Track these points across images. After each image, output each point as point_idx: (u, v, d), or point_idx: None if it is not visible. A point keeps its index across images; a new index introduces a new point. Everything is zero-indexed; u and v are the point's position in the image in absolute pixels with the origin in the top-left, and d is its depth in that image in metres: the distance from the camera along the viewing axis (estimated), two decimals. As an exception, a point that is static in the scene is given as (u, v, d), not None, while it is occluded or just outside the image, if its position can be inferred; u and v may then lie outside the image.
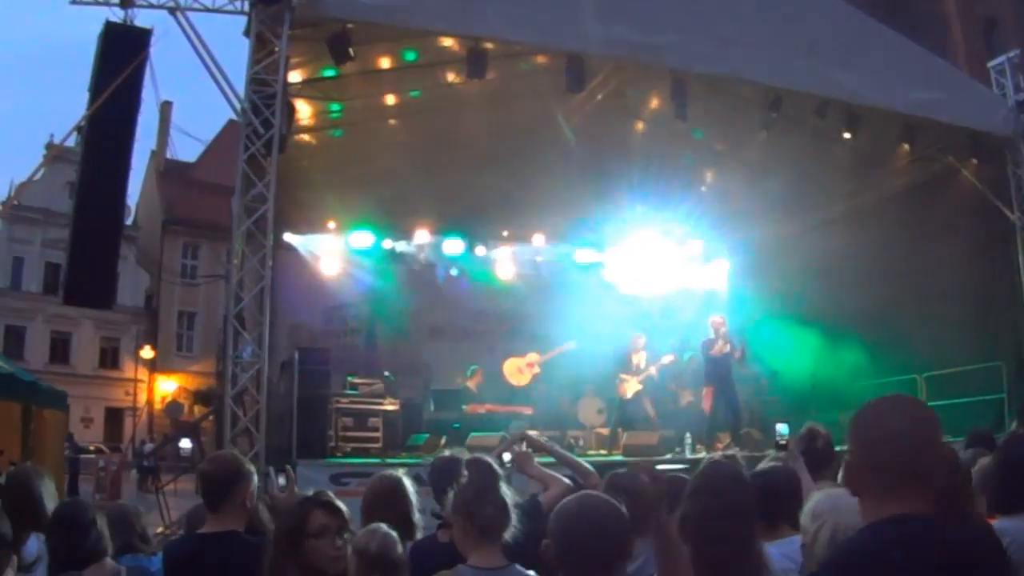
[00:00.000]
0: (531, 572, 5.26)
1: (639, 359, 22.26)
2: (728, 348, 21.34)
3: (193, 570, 5.66)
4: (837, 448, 7.34)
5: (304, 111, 18.87)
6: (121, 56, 15.25)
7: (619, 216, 24.05)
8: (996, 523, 5.10)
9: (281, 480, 8.19)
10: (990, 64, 20.95)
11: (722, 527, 5.05)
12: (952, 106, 18.78)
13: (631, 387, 21.93)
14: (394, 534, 5.43)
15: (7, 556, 5.13)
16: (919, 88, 18.29)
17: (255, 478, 6.15)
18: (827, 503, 4.46)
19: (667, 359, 22.63)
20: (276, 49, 15.24)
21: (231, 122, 48.23)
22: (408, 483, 6.55)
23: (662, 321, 25.18)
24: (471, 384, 22.55)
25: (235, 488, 5.82)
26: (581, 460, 7.85)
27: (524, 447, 7.44)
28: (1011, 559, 3.54)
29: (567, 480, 6.99)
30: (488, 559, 5.16)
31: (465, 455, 6.53)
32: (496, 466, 5.68)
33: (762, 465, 6.67)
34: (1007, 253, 19.91)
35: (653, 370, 22.25)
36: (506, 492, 5.35)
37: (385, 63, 18.47)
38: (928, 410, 3.33)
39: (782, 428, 7.96)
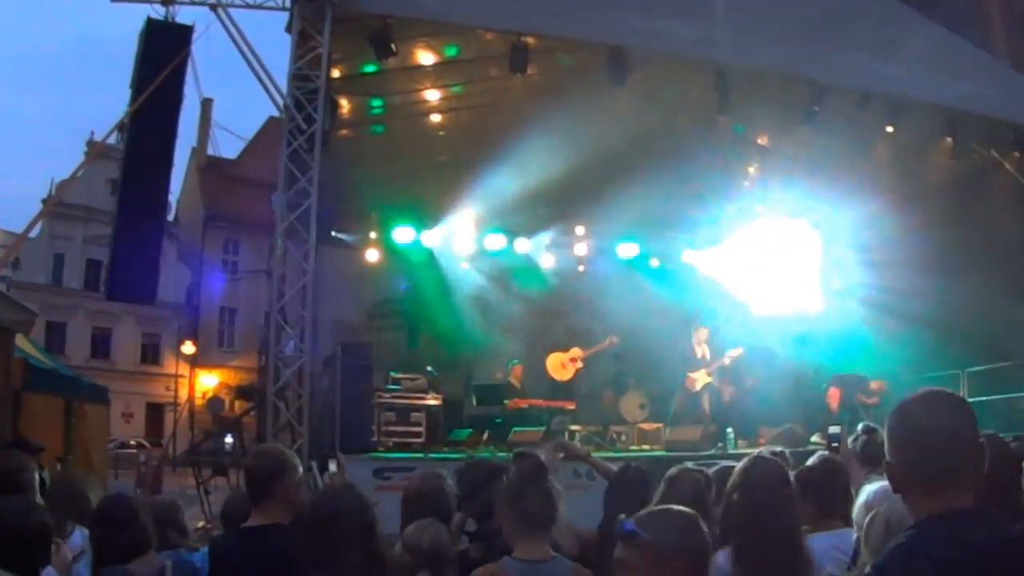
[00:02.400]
0: (576, 563, 5.25)
1: (703, 351, 22.21)
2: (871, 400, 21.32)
3: (238, 565, 5.63)
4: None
5: (346, 107, 18.91)
6: (162, 53, 15.31)
7: (660, 211, 24.01)
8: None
9: (332, 467, 8.24)
10: (1031, 58, 20.83)
11: (766, 524, 5.06)
12: (994, 99, 18.65)
13: (701, 380, 21.89)
14: (444, 527, 5.44)
15: (52, 544, 5.17)
16: (961, 81, 18.18)
17: (300, 470, 6.11)
18: (879, 494, 4.44)
19: (735, 352, 22.53)
20: (318, 45, 15.29)
21: (272, 119, 48.56)
22: (450, 482, 6.53)
23: (700, 317, 25.07)
24: (512, 379, 22.50)
25: (278, 481, 5.74)
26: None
27: (560, 455, 7.48)
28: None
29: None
30: (533, 551, 5.14)
31: (496, 457, 6.50)
32: (543, 460, 5.68)
33: (811, 461, 6.65)
34: (1050, 247, 19.78)
35: (727, 360, 22.21)
36: (554, 485, 5.34)
37: (426, 58, 18.53)
38: (962, 402, 3.28)
39: (834, 430, 7.94)
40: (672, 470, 6.50)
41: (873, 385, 21.34)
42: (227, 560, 5.74)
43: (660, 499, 6.07)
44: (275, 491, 5.74)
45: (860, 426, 7.73)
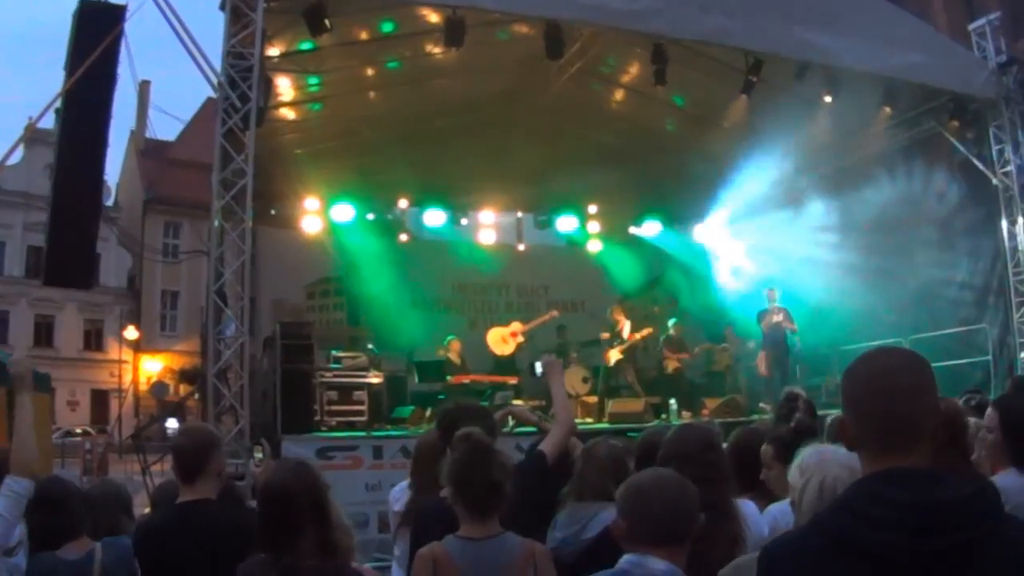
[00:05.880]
0: (527, 539, 5.21)
1: (622, 327, 22.23)
2: (781, 318, 21.63)
3: (168, 539, 5.61)
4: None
5: (282, 85, 18.77)
6: (96, 34, 15.08)
7: (600, 185, 24.07)
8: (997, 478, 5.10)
9: (258, 454, 8.19)
10: (971, 27, 20.88)
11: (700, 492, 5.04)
12: (933, 69, 18.70)
13: (613, 356, 21.91)
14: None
15: None
16: (900, 51, 18.16)
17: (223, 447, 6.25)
18: (813, 457, 4.39)
19: (645, 332, 22.60)
20: (252, 22, 15.13)
21: (210, 100, 48.23)
22: None
23: (643, 291, 25.17)
24: (451, 355, 22.49)
25: (209, 457, 5.89)
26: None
27: (510, 423, 7.44)
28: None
29: (571, 422, 6.93)
30: (478, 529, 5.15)
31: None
32: (487, 437, 5.61)
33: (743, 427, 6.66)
34: (990, 215, 19.91)
35: (638, 336, 22.25)
36: (501, 464, 5.27)
37: (362, 35, 18.38)
38: (920, 359, 3.19)
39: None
40: (591, 440, 6.51)
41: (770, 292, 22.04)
42: (158, 535, 5.73)
43: (579, 468, 6.05)
44: (205, 467, 5.87)
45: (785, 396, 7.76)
